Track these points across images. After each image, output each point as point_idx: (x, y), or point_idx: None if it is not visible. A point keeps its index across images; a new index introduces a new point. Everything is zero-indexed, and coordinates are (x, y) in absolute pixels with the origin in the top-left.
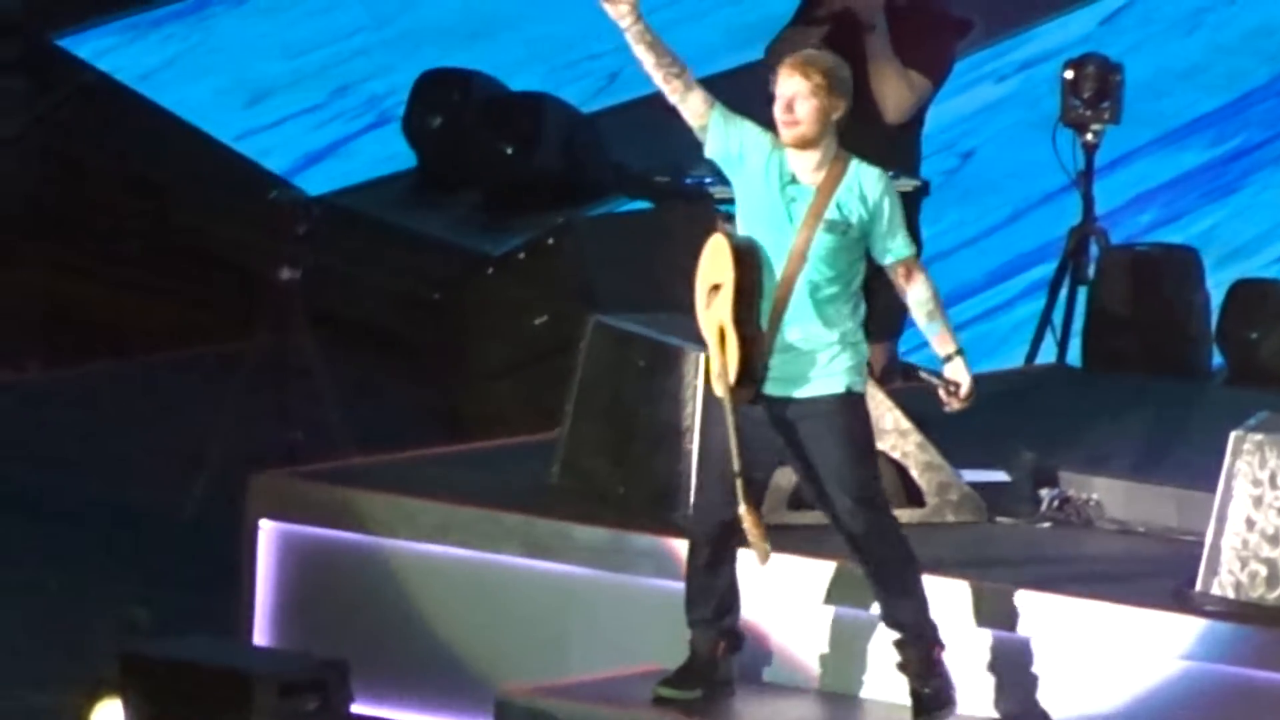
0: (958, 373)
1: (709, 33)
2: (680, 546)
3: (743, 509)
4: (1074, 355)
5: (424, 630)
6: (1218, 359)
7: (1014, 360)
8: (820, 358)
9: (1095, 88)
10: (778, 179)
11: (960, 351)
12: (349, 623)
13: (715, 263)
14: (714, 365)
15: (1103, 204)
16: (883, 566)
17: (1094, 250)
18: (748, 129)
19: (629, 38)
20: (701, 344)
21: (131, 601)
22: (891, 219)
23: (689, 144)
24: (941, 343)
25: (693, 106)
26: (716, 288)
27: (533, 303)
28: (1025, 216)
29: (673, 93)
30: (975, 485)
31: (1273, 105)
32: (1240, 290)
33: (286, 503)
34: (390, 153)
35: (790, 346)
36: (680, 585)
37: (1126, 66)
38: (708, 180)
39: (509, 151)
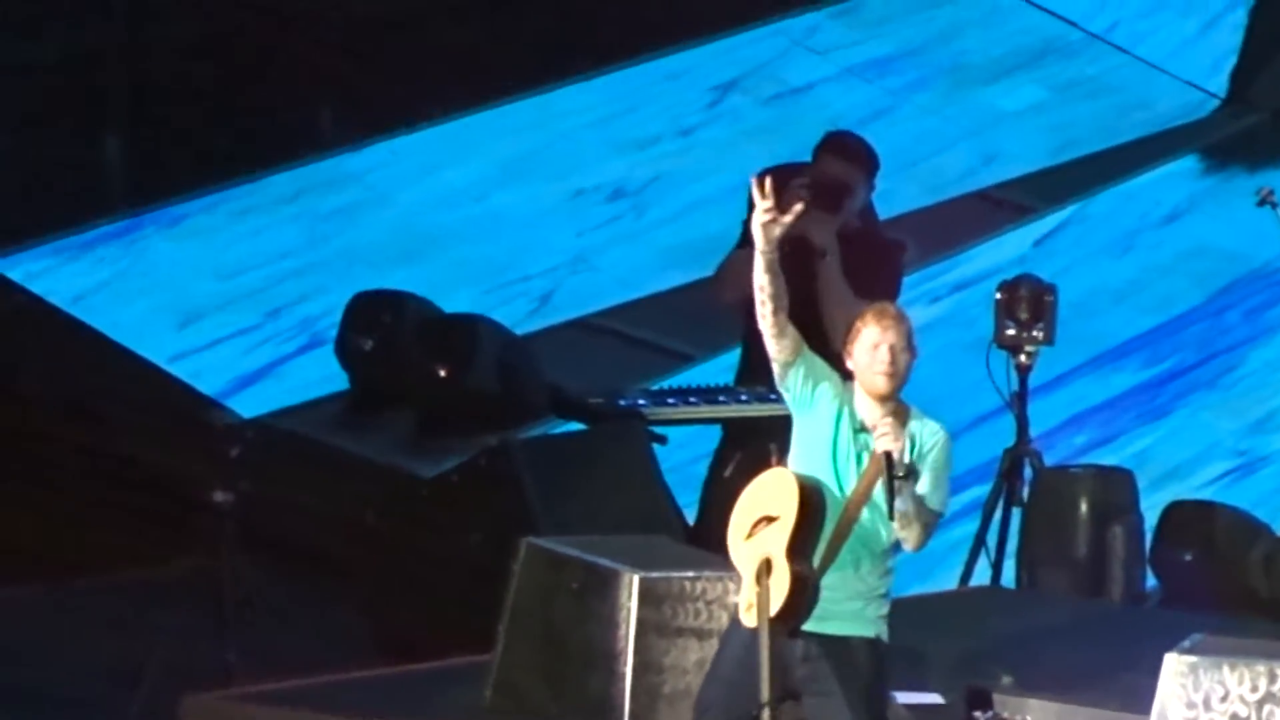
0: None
1: (643, 252)
2: None
3: None
4: (1008, 577)
5: None
6: (1152, 581)
7: (948, 582)
8: (857, 602)
9: (1029, 309)
10: (849, 425)
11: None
12: None
13: (772, 495)
14: (747, 596)
15: (1037, 425)
16: None
17: (1028, 472)
18: (827, 375)
19: (760, 262)
20: (635, 566)
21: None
22: (935, 476)
23: (621, 365)
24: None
25: (787, 343)
26: (769, 519)
27: (467, 525)
28: (959, 438)
29: (770, 326)
30: (910, 706)
31: (1206, 326)
32: (1174, 512)
33: None
34: (324, 374)
35: (832, 586)
36: None
37: (1060, 287)
38: (641, 402)
39: (443, 373)
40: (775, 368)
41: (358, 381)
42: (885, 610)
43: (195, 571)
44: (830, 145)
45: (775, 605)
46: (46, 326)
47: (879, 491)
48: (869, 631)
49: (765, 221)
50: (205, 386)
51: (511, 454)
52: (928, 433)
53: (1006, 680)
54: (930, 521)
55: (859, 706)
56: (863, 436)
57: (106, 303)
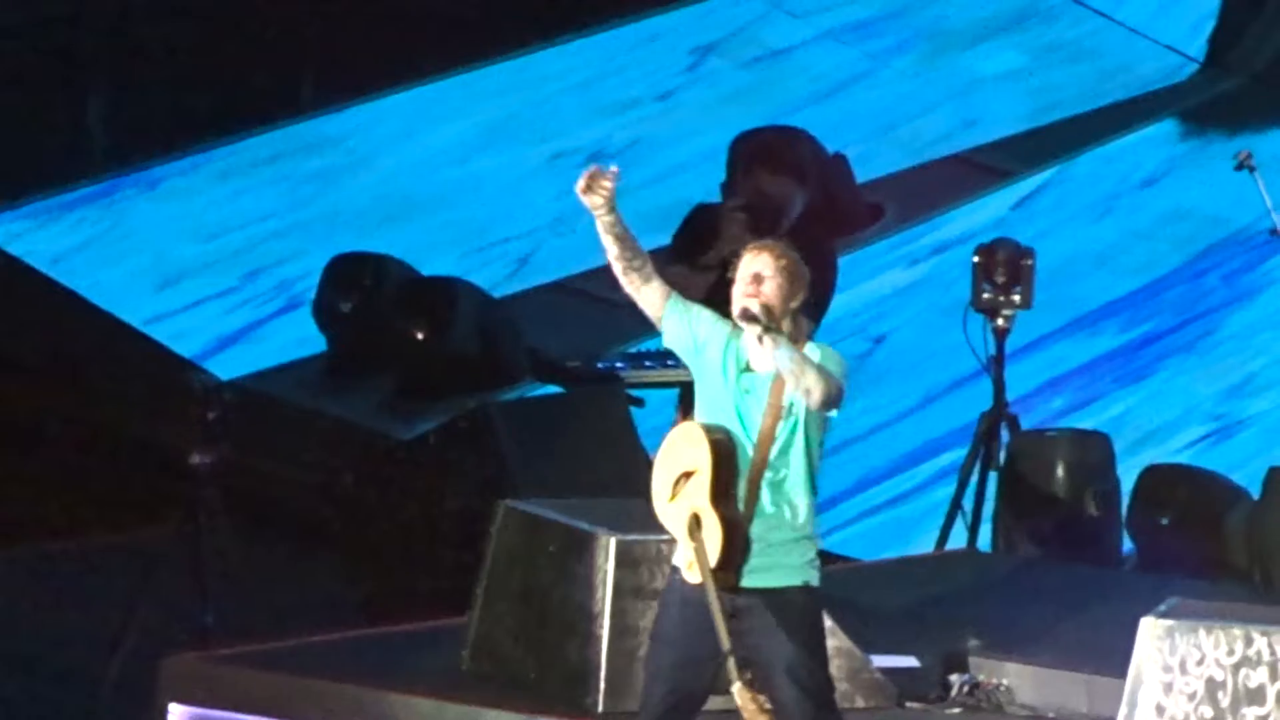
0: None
1: (623, 215)
2: None
3: (737, 686)
4: (984, 540)
5: None
6: (1128, 544)
7: (925, 545)
8: (781, 549)
9: (1006, 272)
10: (735, 367)
11: (774, 334)
12: None
13: (685, 450)
14: (683, 554)
15: (1014, 389)
16: None
17: (1005, 435)
18: (705, 319)
19: (599, 227)
20: (613, 529)
21: None
22: (822, 364)
23: (599, 328)
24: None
25: (649, 299)
26: (688, 475)
27: (445, 487)
28: (937, 401)
29: (630, 284)
30: (886, 670)
31: (1184, 290)
32: (1151, 476)
33: (196, 686)
34: (302, 336)
35: (756, 536)
36: None
37: (1038, 251)
38: (619, 365)
39: (421, 336)
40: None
41: (336, 343)
42: (813, 554)
43: (175, 536)
44: (760, 157)
45: (713, 556)
46: (25, 288)
47: (789, 431)
48: (798, 579)
49: (589, 202)
50: (184, 349)
51: (490, 416)
52: (818, 350)
53: (974, 643)
54: (823, 374)
55: (795, 656)
56: (748, 376)
57: (86, 264)
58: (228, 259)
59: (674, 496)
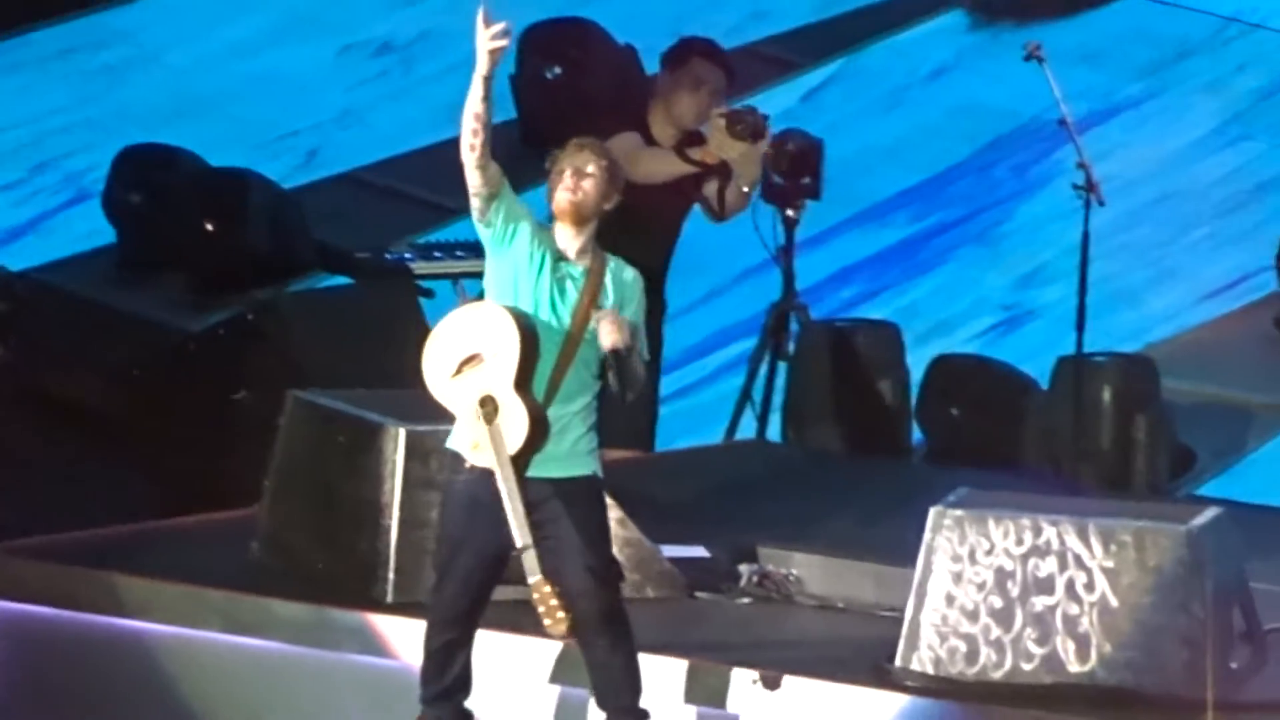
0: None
1: (411, 108)
2: (381, 623)
3: (536, 580)
4: (774, 431)
5: (127, 707)
6: (918, 435)
7: (713, 436)
8: (570, 439)
9: (795, 163)
10: (550, 259)
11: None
12: (51, 698)
13: (479, 331)
14: (466, 434)
15: (804, 280)
16: (612, 650)
17: (795, 326)
18: (525, 215)
19: (482, 82)
20: (402, 420)
21: None
22: (636, 322)
23: (388, 220)
24: None
25: (492, 174)
26: (474, 358)
27: (236, 379)
28: (726, 292)
29: (480, 156)
30: (675, 560)
31: (972, 182)
32: (940, 366)
33: None
34: (91, 229)
35: (552, 422)
36: (383, 662)
37: (827, 143)
38: (408, 256)
39: (212, 228)
40: (476, 202)
41: (124, 237)
42: (596, 444)
43: None
44: (720, 57)
45: (514, 445)
46: None
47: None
48: (585, 469)
49: (495, 49)
50: None
51: (279, 309)
52: (627, 275)
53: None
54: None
55: (585, 545)
56: (563, 265)
57: None
58: (15, 152)
59: (458, 374)
